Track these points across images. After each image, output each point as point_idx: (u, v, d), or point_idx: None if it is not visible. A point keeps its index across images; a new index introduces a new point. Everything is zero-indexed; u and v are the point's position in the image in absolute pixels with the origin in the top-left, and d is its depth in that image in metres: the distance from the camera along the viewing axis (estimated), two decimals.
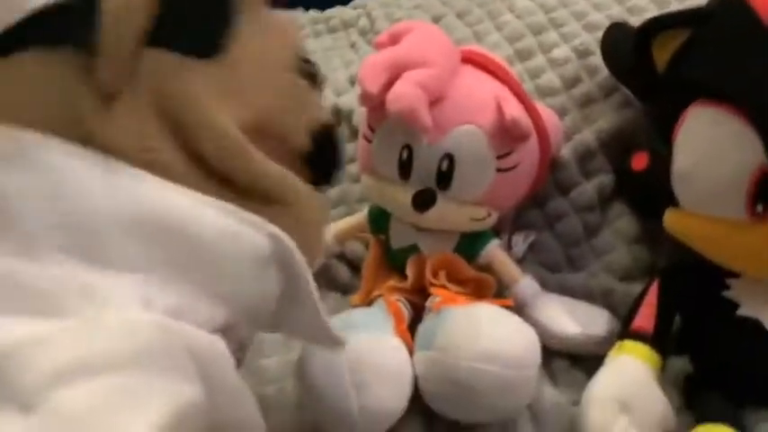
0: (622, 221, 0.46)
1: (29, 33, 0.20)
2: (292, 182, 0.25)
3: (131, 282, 0.19)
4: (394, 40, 0.39)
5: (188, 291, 0.20)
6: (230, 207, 0.22)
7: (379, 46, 0.41)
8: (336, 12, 0.88)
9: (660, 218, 0.37)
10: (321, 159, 0.27)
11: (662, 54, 0.35)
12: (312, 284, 0.24)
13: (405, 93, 0.36)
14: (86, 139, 0.20)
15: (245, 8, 0.24)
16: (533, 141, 0.40)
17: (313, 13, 0.90)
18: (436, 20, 0.64)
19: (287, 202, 0.24)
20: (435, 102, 0.37)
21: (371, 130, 0.40)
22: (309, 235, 0.25)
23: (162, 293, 0.19)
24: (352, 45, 0.83)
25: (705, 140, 0.32)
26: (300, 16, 0.90)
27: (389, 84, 0.37)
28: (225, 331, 0.22)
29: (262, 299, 0.23)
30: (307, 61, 0.28)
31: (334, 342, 0.27)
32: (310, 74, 0.28)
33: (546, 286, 0.42)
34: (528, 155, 0.39)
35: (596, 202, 0.46)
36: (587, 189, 0.47)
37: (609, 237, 0.45)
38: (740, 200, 0.31)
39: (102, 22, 0.20)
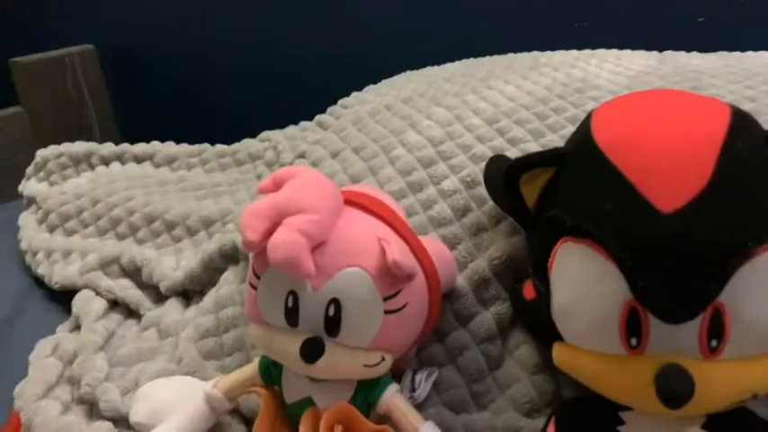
0: (523, 351, 0.45)
1: None
2: None
3: None
4: (277, 185, 0.39)
5: None
6: None
7: (262, 191, 0.40)
8: (243, 145, 0.90)
9: None
10: None
11: (530, 192, 0.37)
12: None
13: (285, 240, 0.35)
14: None
15: None
16: (421, 279, 0.39)
17: (220, 146, 0.91)
18: (334, 154, 0.66)
19: None
20: (318, 246, 0.36)
21: (257, 276, 0.39)
22: None
23: None
24: (259, 177, 0.84)
25: (575, 277, 0.33)
26: (207, 149, 0.91)
27: (270, 231, 0.36)
28: None
29: None
30: None
31: None
32: None
33: (451, 430, 0.40)
34: (416, 293, 0.39)
35: (496, 331, 0.46)
36: (486, 318, 0.46)
37: (511, 368, 0.45)
38: (615, 334, 0.31)
39: None
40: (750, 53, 0.73)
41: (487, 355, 0.46)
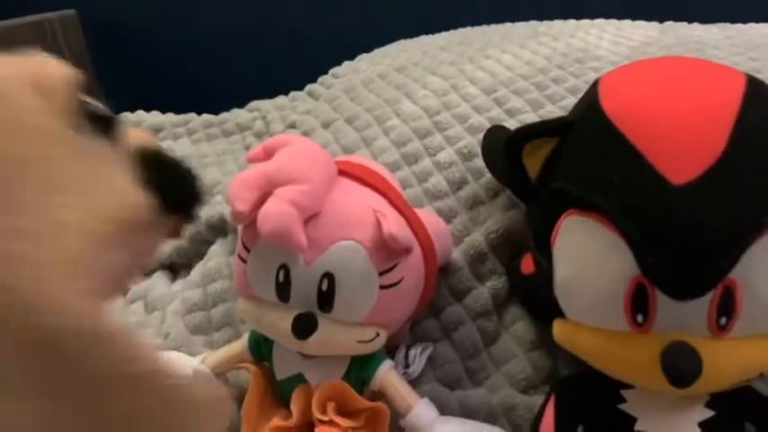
0: (519, 326, 0.44)
1: None
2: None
3: None
4: (268, 154, 0.38)
5: None
6: None
7: (252, 160, 0.38)
8: (231, 115, 0.87)
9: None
10: (167, 186, 0.19)
11: (532, 164, 0.35)
12: None
13: (276, 211, 0.33)
14: None
15: None
16: (417, 253, 0.38)
17: (206, 116, 0.88)
18: (326, 125, 0.64)
19: None
20: (310, 218, 0.35)
21: (246, 249, 0.37)
22: None
23: None
24: (248, 148, 0.81)
25: (580, 251, 0.31)
26: (194, 119, 0.89)
27: (261, 201, 0.34)
28: None
29: None
30: (84, 103, 0.19)
31: None
32: (97, 116, 0.19)
33: (446, 406, 0.39)
34: (413, 267, 0.38)
35: (492, 306, 0.45)
36: (482, 293, 0.45)
37: (507, 344, 0.44)
38: (620, 311, 0.30)
39: None
40: (752, 24, 0.72)
41: (483, 330, 0.45)
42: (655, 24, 0.74)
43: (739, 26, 0.71)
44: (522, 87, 0.57)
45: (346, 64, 0.86)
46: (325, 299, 0.35)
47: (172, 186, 0.19)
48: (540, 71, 0.60)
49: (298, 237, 0.33)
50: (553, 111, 0.54)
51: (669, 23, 0.74)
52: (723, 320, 0.29)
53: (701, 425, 0.31)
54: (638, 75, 0.33)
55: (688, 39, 0.65)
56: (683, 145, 0.29)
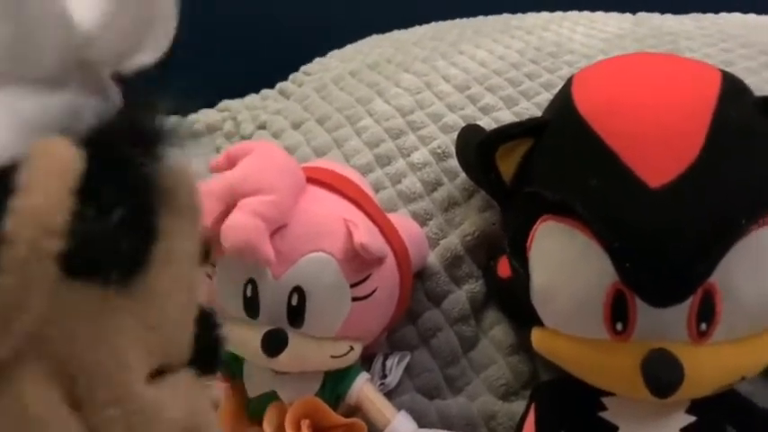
0: (498, 330, 0.43)
1: None
2: None
3: None
4: (231, 162, 0.36)
5: None
6: None
7: (215, 169, 0.37)
8: (200, 116, 0.85)
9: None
10: (201, 348, 0.21)
11: (506, 166, 0.34)
12: None
13: (241, 224, 0.32)
14: None
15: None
16: (391, 262, 0.37)
17: (175, 117, 0.86)
18: (297, 125, 0.62)
19: None
20: (278, 230, 0.33)
21: (212, 264, 0.36)
22: None
23: None
24: (218, 150, 0.79)
25: (557, 258, 0.30)
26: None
27: (225, 214, 0.33)
28: None
29: None
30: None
31: None
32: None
33: (424, 417, 0.38)
34: (386, 277, 0.36)
35: (469, 311, 0.44)
36: (459, 297, 0.44)
37: (486, 349, 0.43)
38: (599, 319, 0.29)
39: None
40: (724, 15, 0.72)
41: (461, 335, 0.44)
42: (628, 16, 0.73)
43: (711, 16, 0.71)
44: (495, 84, 0.56)
45: (317, 60, 0.84)
46: (296, 314, 0.34)
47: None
48: (513, 66, 0.58)
49: (264, 250, 0.32)
50: (528, 107, 0.53)
51: (642, 14, 0.73)
52: (703, 326, 0.28)
53: (683, 431, 0.30)
54: (611, 72, 0.32)
55: (661, 30, 0.64)
56: (660, 145, 0.28)
